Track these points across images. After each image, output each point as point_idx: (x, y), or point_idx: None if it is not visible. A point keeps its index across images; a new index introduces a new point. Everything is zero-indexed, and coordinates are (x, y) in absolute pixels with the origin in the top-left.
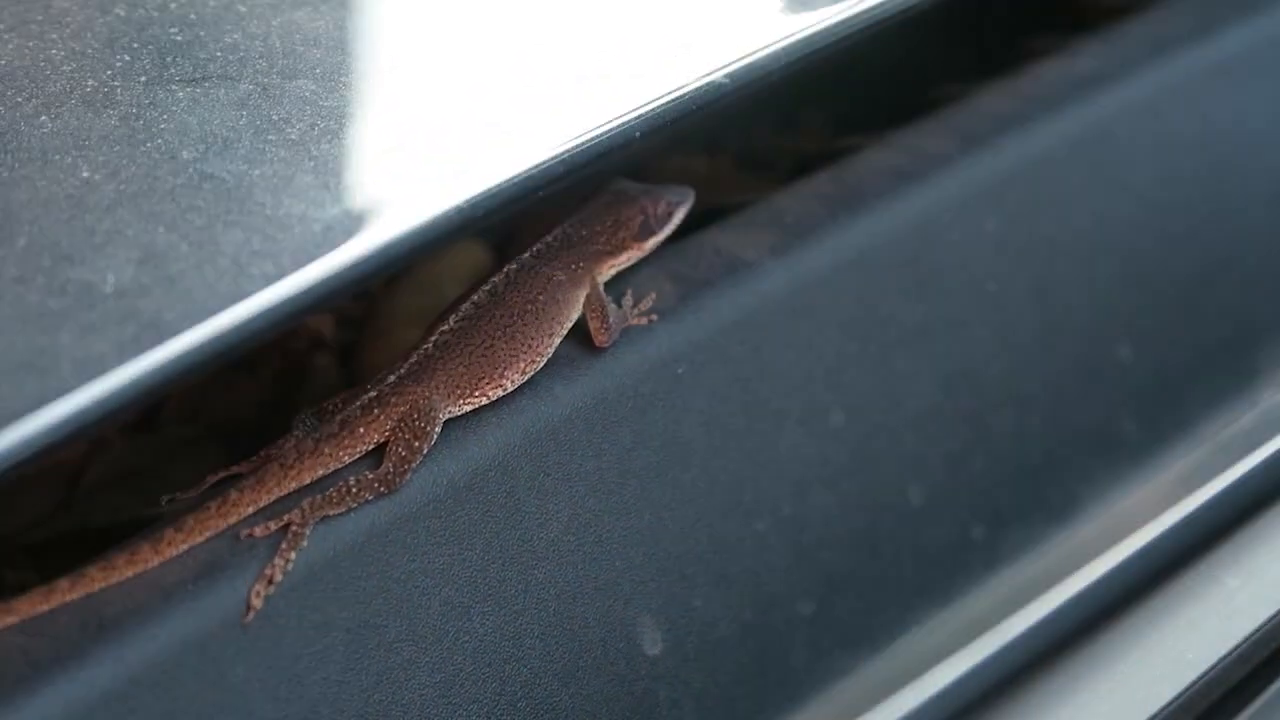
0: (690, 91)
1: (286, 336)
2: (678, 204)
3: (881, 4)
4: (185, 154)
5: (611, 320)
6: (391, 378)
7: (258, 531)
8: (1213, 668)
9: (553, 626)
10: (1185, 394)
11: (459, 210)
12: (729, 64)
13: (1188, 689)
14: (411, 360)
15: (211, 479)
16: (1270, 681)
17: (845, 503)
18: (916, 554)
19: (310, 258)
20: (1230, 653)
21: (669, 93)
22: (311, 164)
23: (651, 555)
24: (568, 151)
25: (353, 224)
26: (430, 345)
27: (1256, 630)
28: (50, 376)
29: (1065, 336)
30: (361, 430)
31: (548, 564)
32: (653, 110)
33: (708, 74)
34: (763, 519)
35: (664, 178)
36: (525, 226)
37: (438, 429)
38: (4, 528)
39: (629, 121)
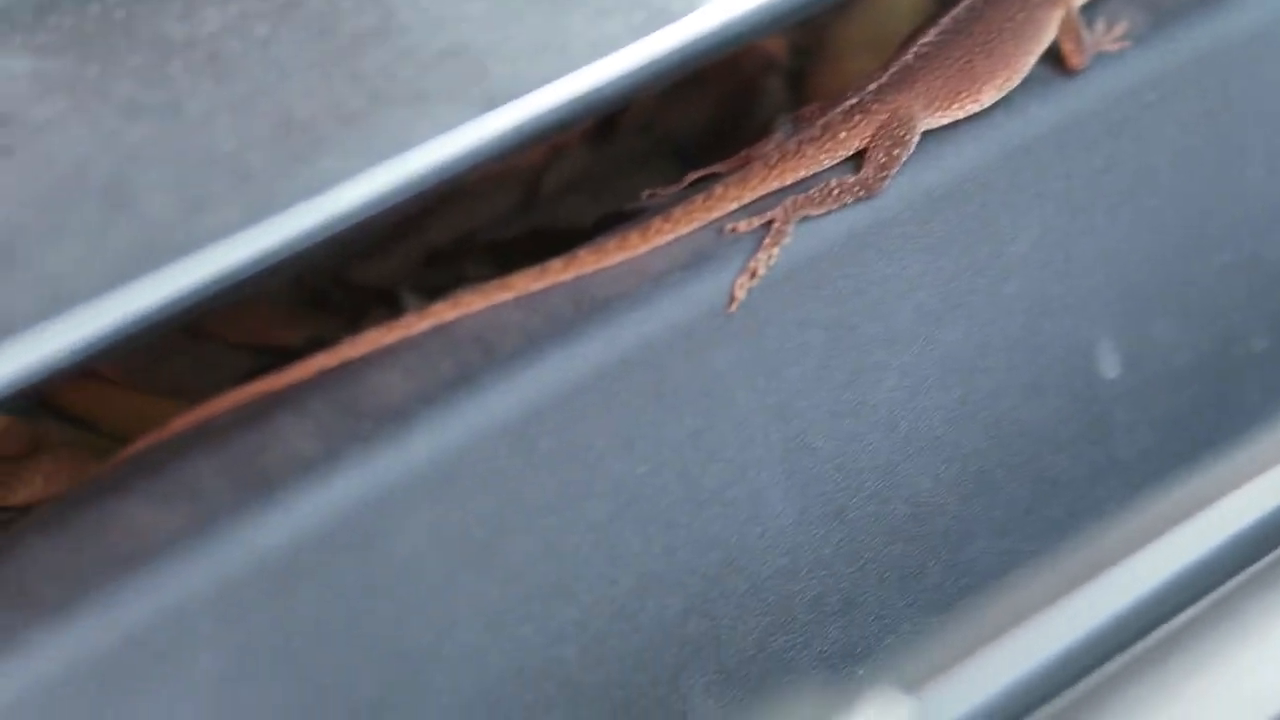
0: None
1: (740, 56)
2: None
3: None
4: None
5: (1086, 43)
6: (873, 86)
7: (741, 226)
8: None
9: (1018, 341)
10: None
11: None
12: None
13: None
14: (892, 70)
15: (692, 176)
16: None
17: None
18: None
19: None
20: None
21: None
22: None
23: (1116, 279)
24: None
25: None
26: (911, 56)
27: None
28: (565, 56)
29: None
30: (843, 135)
31: (1016, 279)
32: None
33: None
34: (1225, 252)
35: None
36: None
37: (916, 138)
38: (467, 225)
39: None
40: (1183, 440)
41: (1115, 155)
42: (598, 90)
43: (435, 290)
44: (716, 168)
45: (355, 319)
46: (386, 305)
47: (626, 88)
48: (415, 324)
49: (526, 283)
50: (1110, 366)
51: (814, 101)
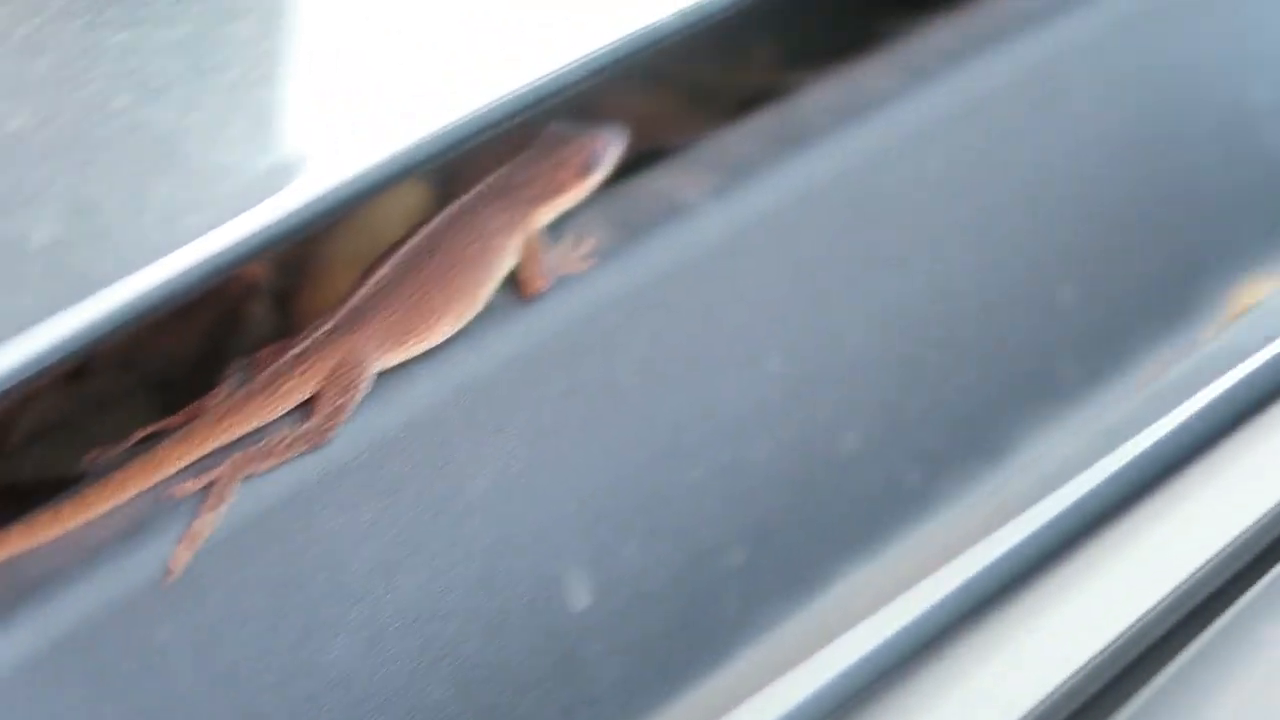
0: (632, 34)
1: (221, 283)
2: (614, 141)
3: None
4: (118, 101)
5: (548, 266)
6: (322, 330)
7: (184, 488)
8: (1140, 620)
9: (480, 581)
10: (1124, 335)
11: (395, 158)
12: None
13: (1115, 640)
14: (342, 311)
15: (139, 434)
16: (1199, 632)
17: (780, 449)
18: (850, 500)
19: (242, 209)
20: (1158, 604)
21: (610, 38)
22: (246, 111)
23: (583, 506)
24: (503, 99)
25: (286, 173)
26: (362, 295)
27: (1185, 580)
28: None
29: (1006, 276)
30: (290, 385)
31: (476, 518)
32: (591, 55)
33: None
34: (697, 467)
35: (611, 115)
36: (468, 166)
37: (368, 382)
38: None
39: (567, 67)
40: (657, 665)
41: (579, 378)
42: (12, 369)
43: None
44: (164, 423)
45: None
46: None
47: (47, 362)
48: None
49: None
50: (579, 598)
51: (304, 323)
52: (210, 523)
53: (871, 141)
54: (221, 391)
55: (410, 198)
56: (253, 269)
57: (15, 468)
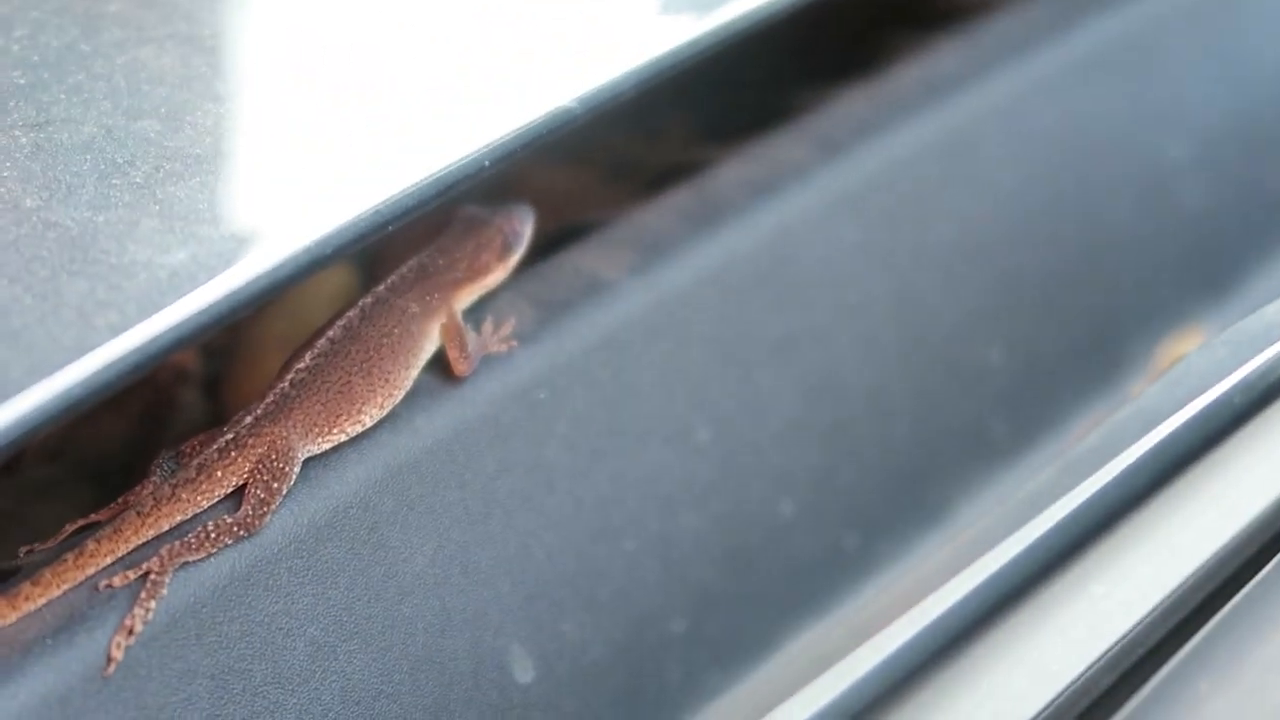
0: (540, 119)
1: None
2: (527, 220)
3: (727, 23)
4: (28, 202)
5: (471, 348)
6: (248, 419)
7: (116, 581)
8: (1079, 678)
9: (421, 661)
10: (1053, 393)
11: (307, 251)
12: (579, 89)
13: (1054, 700)
14: (268, 400)
15: (69, 528)
16: (1135, 689)
17: (714, 519)
18: (788, 566)
19: (156, 306)
20: (1096, 662)
21: (518, 122)
22: (156, 207)
23: (519, 583)
24: (416, 186)
25: (198, 269)
26: (287, 384)
27: (1122, 638)
28: None
29: (931, 341)
30: (219, 474)
31: (414, 598)
32: (501, 140)
33: (557, 100)
34: (631, 539)
35: (527, 192)
36: (393, 247)
37: (296, 468)
38: None
39: (477, 152)
40: None
41: (508, 458)
42: None
43: None
44: (95, 517)
45: None
46: None
47: None
48: None
49: None
50: (522, 672)
51: (235, 408)
52: (146, 613)
53: (786, 215)
54: (150, 484)
55: (335, 279)
56: (181, 355)
57: None
